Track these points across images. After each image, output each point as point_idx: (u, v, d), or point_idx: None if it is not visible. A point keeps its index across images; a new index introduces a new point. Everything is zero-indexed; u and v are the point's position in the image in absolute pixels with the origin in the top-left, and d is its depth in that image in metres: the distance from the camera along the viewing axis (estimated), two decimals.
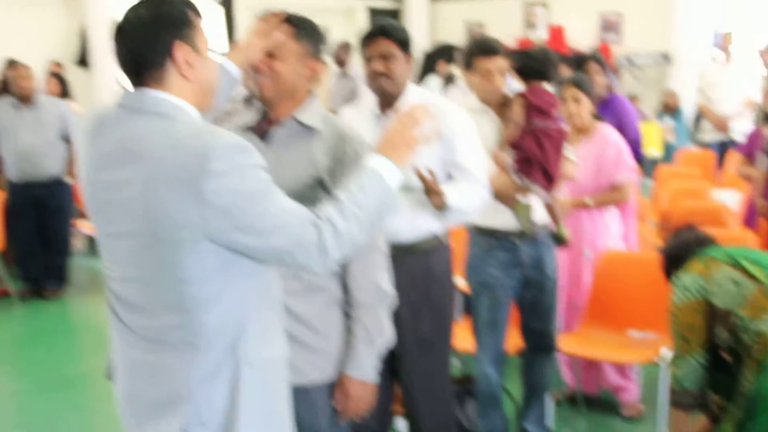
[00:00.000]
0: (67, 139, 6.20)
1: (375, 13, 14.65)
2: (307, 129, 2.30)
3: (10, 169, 6.11)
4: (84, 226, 6.70)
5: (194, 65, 1.80)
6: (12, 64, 6.98)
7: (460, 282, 3.66)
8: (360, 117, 3.03)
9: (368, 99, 3.12)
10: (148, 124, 1.75)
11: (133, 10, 1.80)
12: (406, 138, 1.97)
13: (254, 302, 1.85)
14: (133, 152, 1.73)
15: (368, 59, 2.95)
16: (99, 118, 1.86)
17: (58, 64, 8.90)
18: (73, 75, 10.25)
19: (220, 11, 12.72)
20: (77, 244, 7.18)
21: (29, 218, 6.10)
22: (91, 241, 7.20)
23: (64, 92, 7.66)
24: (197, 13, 1.84)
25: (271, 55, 2.27)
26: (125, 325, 1.87)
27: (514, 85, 3.47)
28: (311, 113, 2.32)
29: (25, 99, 6.05)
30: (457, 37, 14.27)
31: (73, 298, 6.27)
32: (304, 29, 2.31)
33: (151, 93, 1.77)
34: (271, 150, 2.28)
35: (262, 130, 2.36)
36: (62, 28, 11.41)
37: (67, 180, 6.32)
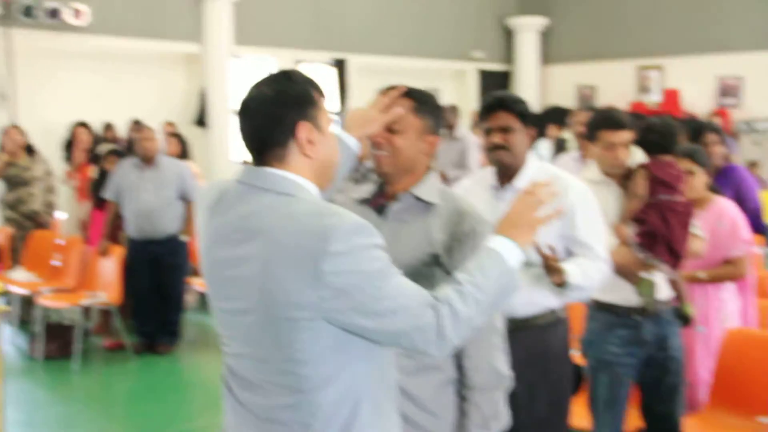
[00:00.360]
0: (184, 198, 6.38)
1: (485, 75, 14.71)
2: (425, 204, 2.27)
3: (130, 227, 6.31)
4: (197, 284, 6.85)
5: (316, 143, 1.81)
6: (137, 125, 7.31)
7: (576, 355, 3.52)
8: (477, 189, 3.00)
9: (484, 169, 3.08)
10: (268, 201, 1.76)
11: (257, 88, 1.83)
12: (528, 218, 1.91)
13: (369, 383, 1.82)
14: (253, 229, 1.74)
15: (487, 132, 2.91)
16: (219, 193, 1.88)
17: (171, 124, 9.24)
18: (192, 134, 10.65)
19: (333, 72, 13.01)
20: (190, 300, 7.34)
21: (146, 274, 6.27)
22: (203, 298, 7.34)
23: (183, 152, 7.92)
24: (320, 92, 1.86)
25: (390, 129, 2.26)
26: (239, 401, 1.87)
27: (636, 155, 3.36)
28: (429, 188, 2.29)
29: (148, 160, 6.28)
30: (568, 100, 14.17)
31: (184, 354, 6.39)
32: (424, 104, 2.29)
33: (272, 171, 1.79)
34: (388, 225, 2.25)
35: (378, 204, 2.34)
36: (184, 90, 11.89)
37: (183, 238, 6.49)
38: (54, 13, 9.79)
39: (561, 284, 2.73)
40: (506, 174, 2.94)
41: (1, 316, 2.70)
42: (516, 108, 2.88)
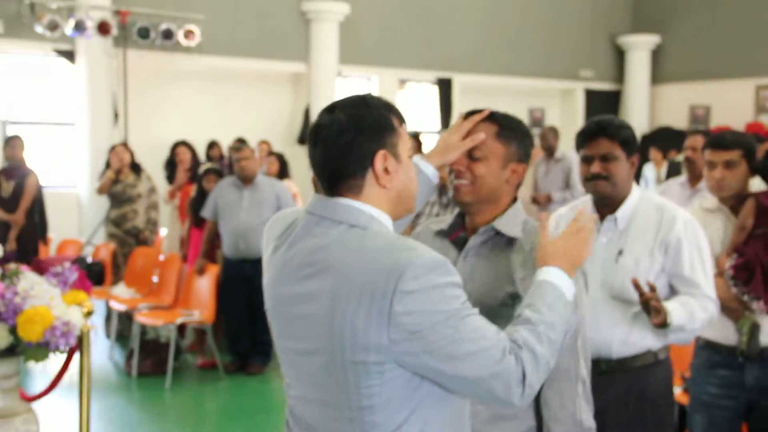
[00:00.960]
0: None
1: (593, 94, 14.32)
2: (507, 238, 2.08)
3: (226, 246, 6.34)
4: None
5: (393, 173, 1.70)
6: (238, 145, 7.36)
7: (678, 392, 3.30)
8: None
9: (583, 198, 2.88)
10: (339, 234, 1.64)
11: (330, 113, 1.71)
12: (579, 248, 1.87)
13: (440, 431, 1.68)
14: (322, 264, 1.63)
15: (585, 159, 2.70)
16: (288, 224, 1.77)
17: (266, 143, 9.30)
18: (297, 153, 10.75)
19: (436, 91, 12.92)
20: None
21: (240, 294, 6.26)
22: None
23: (282, 171, 7.95)
24: (400, 118, 1.74)
25: (471, 156, 2.08)
26: None
27: (756, 183, 3.12)
28: (512, 221, 2.10)
29: (246, 179, 6.29)
30: (680, 121, 13.60)
31: (274, 376, 6.34)
32: (508, 129, 2.10)
33: (345, 202, 1.68)
34: (467, 260, 2.10)
35: (457, 237, 2.18)
36: (290, 109, 12.04)
37: None
38: (167, 35, 10.08)
39: (662, 325, 2.51)
40: (607, 205, 2.73)
41: (91, 334, 2.66)
42: (619, 135, 2.65)
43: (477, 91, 12.82)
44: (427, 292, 1.55)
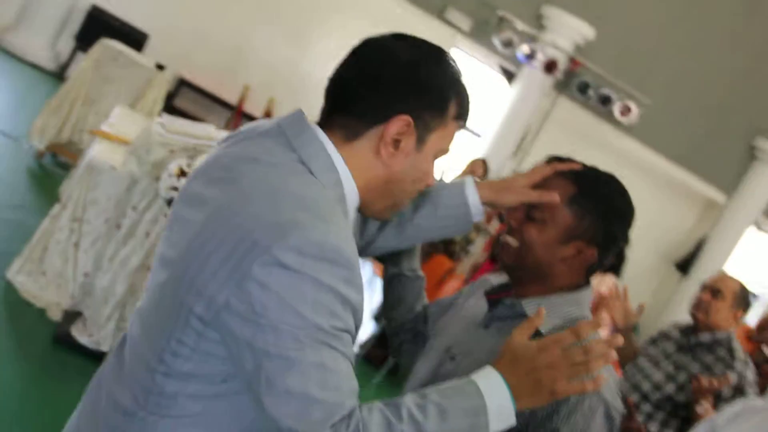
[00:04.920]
0: None
1: None
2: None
3: None
4: None
5: (401, 153, 1.31)
6: None
7: None
8: None
9: None
10: (277, 161, 1.27)
11: (399, 40, 1.32)
12: (558, 370, 1.25)
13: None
14: (234, 176, 1.27)
15: None
16: (248, 127, 1.41)
17: None
18: (668, 274, 9.89)
19: None
20: None
21: None
22: None
23: None
24: (461, 110, 1.34)
25: (529, 214, 1.56)
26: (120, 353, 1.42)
27: None
28: (553, 309, 1.52)
29: None
30: None
31: None
32: (589, 196, 1.53)
33: (319, 137, 1.30)
34: (488, 329, 1.61)
35: (492, 298, 1.63)
36: (684, 229, 11.18)
37: None
38: (605, 100, 9.73)
39: None
40: None
41: None
42: None
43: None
44: (301, 280, 1.14)
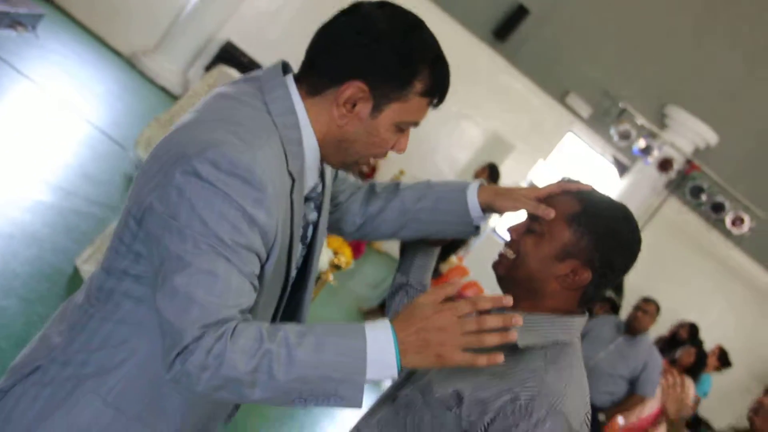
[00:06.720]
0: None
1: None
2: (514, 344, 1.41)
3: None
4: None
5: (354, 117, 1.37)
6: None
7: None
8: None
9: None
10: (242, 98, 1.37)
11: (380, 8, 1.37)
12: (450, 332, 1.26)
13: (149, 339, 1.36)
14: (201, 107, 1.38)
15: None
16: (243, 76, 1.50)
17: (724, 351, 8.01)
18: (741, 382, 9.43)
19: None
20: None
21: None
22: None
23: None
24: (435, 85, 1.37)
25: (530, 225, 1.53)
26: None
27: None
28: (538, 327, 1.48)
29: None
30: None
31: None
32: (591, 220, 1.48)
33: (290, 87, 1.39)
34: None
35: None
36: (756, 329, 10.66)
37: None
38: (717, 208, 9.47)
39: None
40: None
41: None
42: None
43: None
44: (213, 192, 1.23)
